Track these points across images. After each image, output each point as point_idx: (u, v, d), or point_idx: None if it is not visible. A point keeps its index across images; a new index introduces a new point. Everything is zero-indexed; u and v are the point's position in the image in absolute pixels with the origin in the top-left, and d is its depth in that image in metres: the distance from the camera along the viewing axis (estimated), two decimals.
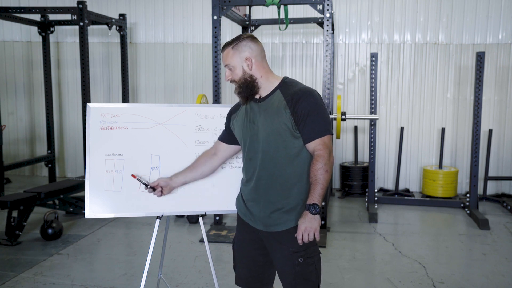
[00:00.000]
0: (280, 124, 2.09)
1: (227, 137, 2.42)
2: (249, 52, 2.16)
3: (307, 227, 2.04)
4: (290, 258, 2.13)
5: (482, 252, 4.42)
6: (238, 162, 2.72)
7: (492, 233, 4.97)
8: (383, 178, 6.88)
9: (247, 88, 2.17)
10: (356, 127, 6.72)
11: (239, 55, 2.15)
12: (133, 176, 2.57)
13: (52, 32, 6.71)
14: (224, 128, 2.45)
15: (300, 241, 2.06)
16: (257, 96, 2.21)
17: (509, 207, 5.81)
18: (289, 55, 6.92)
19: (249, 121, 2.20)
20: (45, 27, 6.63)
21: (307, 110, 2.06)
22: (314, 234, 2.05)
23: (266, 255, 2.29)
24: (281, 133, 2.10)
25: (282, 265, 2.18)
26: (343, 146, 6.94)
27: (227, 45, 2.19)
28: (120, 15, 6.52)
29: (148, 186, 2.51)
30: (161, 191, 2.51)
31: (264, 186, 2.16)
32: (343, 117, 4.88)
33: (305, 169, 2.13)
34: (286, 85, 2.18)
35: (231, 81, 2.20)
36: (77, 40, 6.96)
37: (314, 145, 2.08)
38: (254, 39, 2.19)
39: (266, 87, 2.19)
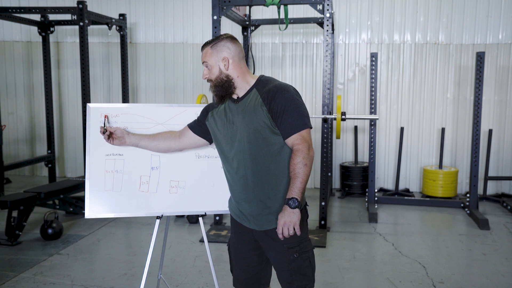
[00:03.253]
0: (259, 122, 2.11)
1: (197, 128, 2.43)
2: (227, 52, 2.18)
3: (286, 221, 2.05)
4: (285, 254, 2.14)
5: (482, 252, 4.42)
6: None
7: (492, 233, 4.97)
8: (383, 178, 6.88)
9: (223, 87, 2.19)
10: (356, 127, 6.72)
11: (217, 54, 2.18)
12: (105, 116, 2.58)
13: (52, 32, 6.71)
14: (197, 119, 2.45)
15: (280, 236, 2.07)
16: (234, 96, 2.22)
17: (509, 207, 5.81)
18: (289, 55, 6.92)
19: (228, 121, 2.21)
20: (45, 27, 6.62)
21: (283, 106, 2.08)
22: (294, 228, 2.05)
23: (261, 255, 2.29)
24: (260, 131, 2.11)
25: (278, 262, 2.19)
26: (343, 146, 6.94)
27: (206, 44, 2.22)
28: (120, 15, 6.52)
29: (103, 127, 2.50)
30: (110, 137, 2.50)
31: (251, 185, 2.16)
32: (343, 117, 4.88)
33: (289, 164, 2.14)
34: (262, 83, 2.19)
35: (208, 80, 2.22)
36: (77, 40, 6.97)
37: (293, 140, 2.09)
38: (233, 39, 2.22)
39: (243, 87, 2.20)
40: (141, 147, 2.56)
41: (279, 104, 2.08)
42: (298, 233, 2.08)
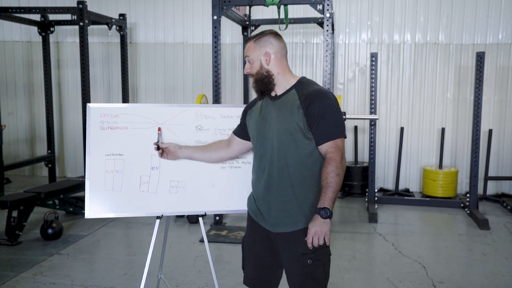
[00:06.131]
0: (292, 123, 2.08)
1: (241, 132, 2.42)
2: (270, 47, 2.17)
3: (317, 231, 2.02)
4: (299, 259, 2.11)
5: (482, 252, 4.42)
6: (238, 162, 2.72)
7: (492, 233, 4.97)
8: (383, 178, 6.88)
9: (263, 82, 2.18)
10: (356, 127, 6.72)
11: (259, 49, 2.18)
12: (159, 129, 2.64)
13: (52, 32, 6.71)
14: (239, 123, 2.45)
15: (310, 245, 2.05)
16: (272, 94, 2.21)
17: (509, 207, 5.81)
18: (289, 55, 6.87)
19: (262, 118, 2.20)
20: (45, 27, 6.63)
21: (321, 112, 2.04)
22: (324, 238, 2.03)
23: (275, 256, 2.26)
24: (292, 133, 2.08)
25: (290, 266, 2.16)
26: None
27: (250, 38, 2.22)
28: (120, 15, 6.52)
29: (157, 143, 2.58)
30: (163, 153, 2.58)
31: (274, 185, 2.14)
32: (343, 117, 4.87)
33: (316, 170, 2.11)
34: (302, 85, 2.17)
35: (249, 74, 2.22)
36: (77, 40, 6.96)
37: (326, 148, 2.06)
38: (277, 35, 2.21)
39: (282, 85, 2.18)
40: (195, 160, 2.60)
41: (317, 109, 2.05)
42: (328, 243, 2.06)
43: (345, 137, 2.12)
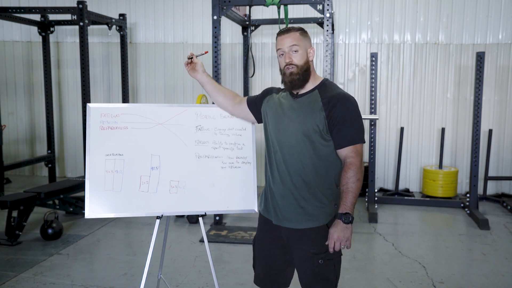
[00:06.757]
0: (312, 124, 2.08)
1: (253, 104, 2.43)
2: (311, 43, 2.19)
3: (340, 236, 2.05)
4: (310, 259, 2.13)
5: (482, 252, 4.42)
6: (238, 162, 2.72)
7: (492, 233, 4.97)
8: (383, 178, 6.88)
9: (305, 74, 2.14)
10: None
11: (308, 41, 2.17)
12: (206, 52, 2.69)
13: (52, 32, 6.71)
14: (256, 96, 2.44)
15: (331, 250, 2.07)
16: (294, 91, 2.19)
17: (509, 207, 5.81)
18: None
19: (283, 114, 2.19)
20: (45, 27, 6.63)
21: (343, 116, 2.05)
22: (346, 243, 2.07)
23: (286, 255, 2.27)
24: (311, 133, 2.09)
25: (302, 265, 2.19)
26: None
27: (293, 29, 2.16)
28: (120, 15, 6.52)
29: (193, 54, 2.57)
30: (189, 64, 2.55)
31: (289, 182, 2.15)
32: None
33: (332, 171, 2.12)
34: (325, 86, 2.16)
35: (291, 64, 2.13)
36: (77, 40, 6.96)
37: (346, 152, 2.07)
38: None
39: (307, 84, 2.17)
40: (203, 88, 2.59)
41: (340, 113, 2.05)
42: (349, 247, 2.09)
43: (364, 142, 2.13)
